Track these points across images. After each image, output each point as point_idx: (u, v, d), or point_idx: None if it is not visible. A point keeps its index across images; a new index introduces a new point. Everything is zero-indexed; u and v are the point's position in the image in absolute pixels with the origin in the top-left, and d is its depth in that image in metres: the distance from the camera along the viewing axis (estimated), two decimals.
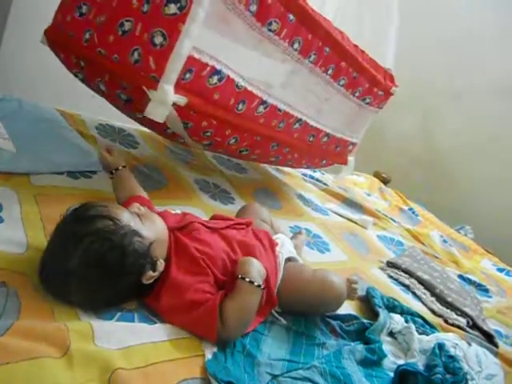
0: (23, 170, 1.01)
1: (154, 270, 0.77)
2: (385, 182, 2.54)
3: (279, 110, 1.21)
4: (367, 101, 1.50)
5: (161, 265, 0.79)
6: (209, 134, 1.10)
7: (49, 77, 2.04)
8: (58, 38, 1.06)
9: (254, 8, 0.96)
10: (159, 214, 0.90)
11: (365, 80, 1.42)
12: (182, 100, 0.92)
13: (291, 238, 1.18)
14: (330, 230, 1.51)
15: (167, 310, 0.77)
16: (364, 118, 1.59)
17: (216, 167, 1.60)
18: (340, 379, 0.79)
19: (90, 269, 0.71)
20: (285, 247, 1.02)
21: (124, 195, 0.97)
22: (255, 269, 0.83)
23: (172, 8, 0.85)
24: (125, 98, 1.04)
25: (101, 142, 1.35)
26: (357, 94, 1.44)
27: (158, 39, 0.86)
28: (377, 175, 2.58)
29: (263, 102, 1.14)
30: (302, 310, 0.94)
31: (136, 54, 0.89)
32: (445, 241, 1.90)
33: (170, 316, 0.77)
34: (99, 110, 1.65)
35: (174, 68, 0.87)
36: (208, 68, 0.95)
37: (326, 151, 1.52)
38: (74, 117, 1.42)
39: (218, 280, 0.82)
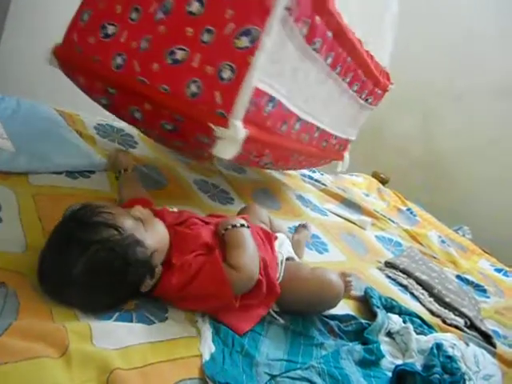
0: (22, 170, 1.01)
1: (152, 278, 0.78)
2: (383, 182, 2.54)
3: (307, 123, 1.19)
4: (369, 101, 1.52)
5: (158, 271, 0.79)
6: (251, 156, 1.06)
7: (47, 76, 2.04)
8: (75, 60, 0.95)
9: (304, 30, 0.92)
10: (158, 213, 0.90)
11: (370, 82, 1.43)
12: (246, 133, 0.85)
13: (294, 232, 1.18)
14: (328, 231, 1.52)
15: (178, 291, 0.78)
16: (363, 116, 1.60)
17: (215, 167, 1.60)
18: (338, 379, 0.80)
19: (92, 277, 0.71)
20: (284, 247, 1.02)
21: (128, 195, 0.98)
22: (233, 218, 0.89)
23: (244, 41, 0.80)
24: (169, 128, 0.96)
25: (100, 141, 1.34)
26: (363, 96, 1.46)
27: (226, 73, 0.81)
28: (375, 175, 2.59)
29: (299, 119, 1.11)
30: (300, 309, 0.95)
31: (194, 87, 0.83)
32: (443, 241, 1.90)
33: (181, 298, 0.79)
34: (97, 110, 1.65)
35: (243, 102, 0.81)
36: (266, 96, 0.90)
37: (331, 152, 1.53)
38: (72, 116, 1.42)
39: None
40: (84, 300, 0.72)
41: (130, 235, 0.75)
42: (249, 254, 0.82)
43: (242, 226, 0.86)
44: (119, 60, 0.88)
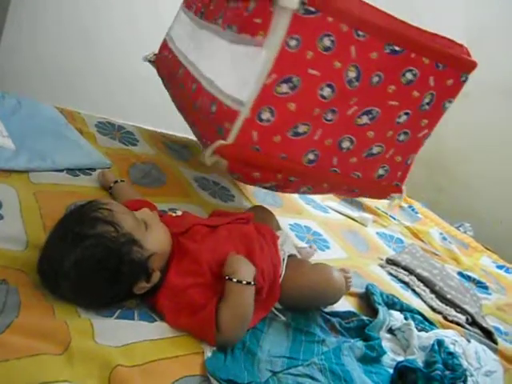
0: (22, 168, 1.01)
1: (148, 282, 0.77)
2: None
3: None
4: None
5: (156, 277, 0.78)
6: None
7: (47, 75, 2.04)
8: (250, 158, 0.93)
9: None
10: (162, 219, 0.89)
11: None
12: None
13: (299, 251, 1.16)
14: (329, 228, 1.51)
15: (164, 311, 0.77)
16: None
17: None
18: (340, 376, 0.80)
19: (83, 271, 0.71)
20: (286, 244, 1.02)
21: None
22: (243, 266, 0.81)
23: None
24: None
25: (100, 139, 1.34)
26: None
27: (410, 159, 1.12)
28: None
29: None
30: (302, 304, 0.95)
31: (382, 171, 1.08)
32: (444, 238, 1.90)
33: (168, 317, 0.77)
34: (97, 108, 1.65)
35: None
36: None
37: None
38: (73, 114, 1.42)
39: (219, 280, 0.81)
40: (77, 294, 0.72)
41: (127, 234, 0.74)
42: (240, 319, 0.78)
43: (248, 284, 0.79)
44: (311, 156, 0.96)
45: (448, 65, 1.00)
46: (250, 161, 0.93)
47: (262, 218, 1.13)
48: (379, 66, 0.92)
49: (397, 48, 0.92)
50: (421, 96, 1.00)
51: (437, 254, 1.71)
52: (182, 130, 1.59)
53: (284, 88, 0.87)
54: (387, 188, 1.13)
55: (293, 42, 0.84)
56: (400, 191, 1.15)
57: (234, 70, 0.93)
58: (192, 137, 1.64)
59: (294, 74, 0.86)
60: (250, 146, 0.90)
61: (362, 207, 1.87)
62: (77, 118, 1.40)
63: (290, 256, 0.99)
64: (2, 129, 1.10)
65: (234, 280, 0.78)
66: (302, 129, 0.92)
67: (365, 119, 0.98)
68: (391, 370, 0.89)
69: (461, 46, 1.05)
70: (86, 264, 0.71)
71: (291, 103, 0.89)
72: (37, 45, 1.98)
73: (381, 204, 2.05)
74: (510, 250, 2.11)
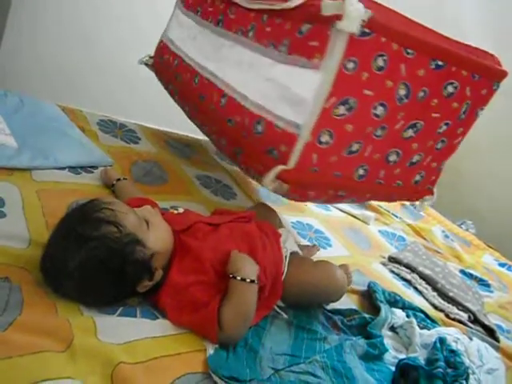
0: (25, 166, 1.02)
1: (151, 280, 0.77)
2: None
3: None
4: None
5: (158, 275, 0.78)
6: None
7: (48, 74, 2.04)
8: (308, 179, 0.96)
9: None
10: (164, 216, 0.89)
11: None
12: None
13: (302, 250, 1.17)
14: (331, 226, 1.51)
15: (167, 309, 0.77)
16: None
17: (217, 163, 1.60)
18: (341, 373, 0.80)
19: (88, 271, 0.71)
20: (288, 242, 1.02)
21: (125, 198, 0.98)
22: (246, 264, 0.81)
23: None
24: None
25: (102, 137, 1.35)
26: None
27: (443, 164, 1.18)
28: None
29: None
30: (304, 302, 0.95)
31: (418, 177, 1.14)
32: (446, 236, 1.90)
33: (170, 315, 0.77)
34: (99, 106, 1.66)
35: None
36: None
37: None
38: (75, 112, 1.42)
39: (221, 278, 0.81)
40: (81, 293, 0.73)
41: (130, 233, 0.74)
42: (242, 318, 0.78)
43: (252, 282, 0.79)
44: (361, 171, 1.00)
45: (483, 75, 1.03)
46: (309, 182, 0.96)
47: (265, 216, 1.13)
48: (425, 81, 0.95)
49: (440, 63, 0.95)
50: (459, 106, 1.05)
51: (439, 252, 1.71)
52: (183, 128, 1.59)
53: (341, 110, 0.88)
54: (421, 192, 1.19)
55: (350, 65, 0.84)
56: (432, 193, 1.21)
57: (285, 90, 0.93)
58: (193, 135, 1.65)
59: (350, 96, 0.88)
60: (309, 168, 0.92)
61: (364, 205, 1.86)
62: (79, 116, 1.40)
63: (292, 253, 0.99)
64: (4, 127, 1.10)
65: (238, 278, 0.78)
66: (355, 147, 0.95)
67: (410, 132, 1.02)
68: (393, 368, 0.89)
69: (492, 55, 1.08)
70: (90, 265, 0.71)
71: (348, 124, 0.91)
72: (37, 44, 1.99)
73: (382, 202, 2.05)
74: None
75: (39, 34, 1.98)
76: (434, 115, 1.02)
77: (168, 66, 1.41)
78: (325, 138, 0.90)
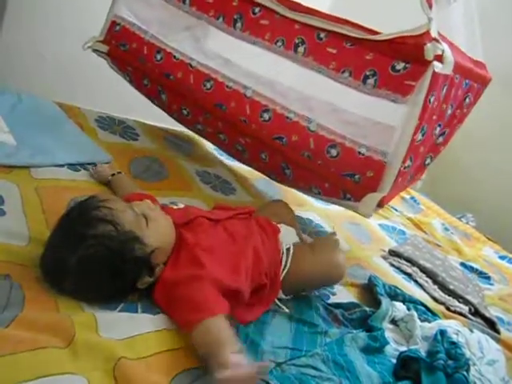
0: (23, 163, 1.01)
1: (152, 276, 0.77)
2: None
3: None
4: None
5: (159, 270, 0.78)
6: None
7: (46, 70, 2.04)
8: (392, 198, 1.11)
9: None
10: (164, 210, 0.89)
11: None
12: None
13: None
14: (331, 220, 1.51)
15: (161, 304, 0.77)
16: None
17: (216, 158, 1.59)
18: (342, 366, 0.80)
19: (86, 270, 0.71)
20: (287, 236, 1.02)
21: (123, 194, 0.98)
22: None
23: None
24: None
25: (101, 134, 1.34)
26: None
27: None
28: None
29: None
30: (306, 290, 0.99)
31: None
32: (446, 229, 1.90)
33: (165, 309, 0.76)
34: (97, 103, 1.65)
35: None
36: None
37: None
38: (73, 109, 1.41)
39: (217, 276, 0.78)
40: (81, 292, 0.73)
41: (129, 232, 0.74)
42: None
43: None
44: (409, 177, 1.14)
45: (481, 84, 1.17)
46: (390, 200, 1.10)
47: (278, 212, 1.13)
48: (459, 98, 1.09)
49: (468, 81, 1.08)
50: (468, 112, 1.20)
51: (439, 245, 1.71)
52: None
53: (419, 136, 0.97)
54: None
55: (432, 98, 0.92)
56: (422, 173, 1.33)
57: (366, 120, 1.02)
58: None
59: (426, 123, 0.97)
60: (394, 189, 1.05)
61: None
62: (77, 113, 1.40)
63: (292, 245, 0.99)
64: (2, 125, 1.10)
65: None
66: (413, 161, 1.05)
67: (441, 139, 1.16)
68: (394, 360, 0.89)
69: (483, 64, 1.19)
70: (89, 264, 0.71)
71: (422, 147, 1.03)
72: (36, 41, 1.98)
73: None
74: None
75: (38, 31, 1.97)
76: (454, 122, 1.17)
77: (140, 57, 1.30)
78: (408, 162, 0.99)
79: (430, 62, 0.87)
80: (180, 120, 1.43)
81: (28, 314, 0.65)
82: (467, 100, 1.15)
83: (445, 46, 0.88)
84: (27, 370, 0.57)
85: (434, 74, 0.88)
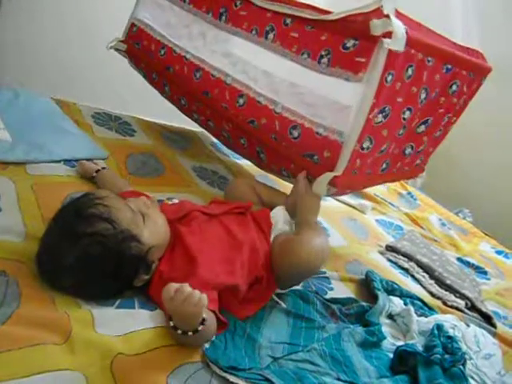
0: (19, 160, 1.01)
1: (148, 273, 0.77)
2: None
3: None
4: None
5: (155, 267, 0.78)
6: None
7: (44, 66, 2.03)
8: (351, 181, 1.05)
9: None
10: (159, 207, 0.88)
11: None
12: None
13: None
14: (329, 216, 1.51)
15: (156, 300, 0.76)
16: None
17: (213, 154, 1.59)
18: (340, 361, 0.80)
19: (83, 269, 0.71)
20: (280, 223, 1.01)
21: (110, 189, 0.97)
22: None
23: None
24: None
25: (97, 130, 1.34)
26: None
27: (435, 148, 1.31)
28: None
29: None
30: (299, 281, 0.97)
31: (418, 161, 1.27)
32: (443, 224, 1.90)
33: (160, 305, 0.75)
34: (94, 99, 1.64)
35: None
36: None
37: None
38: (69, 105, 1.41)
39: (212, 272, 0.78)
40: (77, 289, 0.72)
41: (125, 230, 0.74)
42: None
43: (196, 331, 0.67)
44: (384, 165, 1.13)
45: (476, 73, 1.15)
46: (351, 183, 1.05)
47: (272, 196, 1.15)
48: (438, 83, 1.06)
49: (449, 66, 1.05)
50: (458, 101, 1.17)
51: (436, 240, 1.72)
52: (179, 120, 1.58)
53: (379, 118, 0.96)
54: (417, 171, 1.33)
55: (389, 77, 0.90)
56: (423, 171, 1.35)
57: (325, 100, 1.01)
58: (189, 127, 1.64)
59: (387, 105, 0.95)
60: (352, 171, 1.00)
61: (361, 194, 1.86)
62: (73, 109, 1.39)
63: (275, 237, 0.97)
64: None
65: (179, 332, 0.67)
66: (384, 147, 1.05)
67: (422, 127, 1.14)
68: (391, 355, 0.90)
69: (480, 53, 1.18)
70: (85, 262, 0.71)
71: (384, 129, 1.00)
72: (34, 37, 1.97)
73: (379, 191, 2.05)
74: (509, 236, 2.11)
75: (36, 27, 1.96)
76: (440, 111, 1.14)
77: (149, 53, 1.40)
78: (366, 144, 0.98)
79: (379, 38, 0.86)
80: (181, 110, 1.48)
81: (25, 311, 0.65)
82: (454, 87, 1.11)
83: (396, 23, 0.85)
84: (24, 366, 0.57)
85: (391, 52, 0.87)
